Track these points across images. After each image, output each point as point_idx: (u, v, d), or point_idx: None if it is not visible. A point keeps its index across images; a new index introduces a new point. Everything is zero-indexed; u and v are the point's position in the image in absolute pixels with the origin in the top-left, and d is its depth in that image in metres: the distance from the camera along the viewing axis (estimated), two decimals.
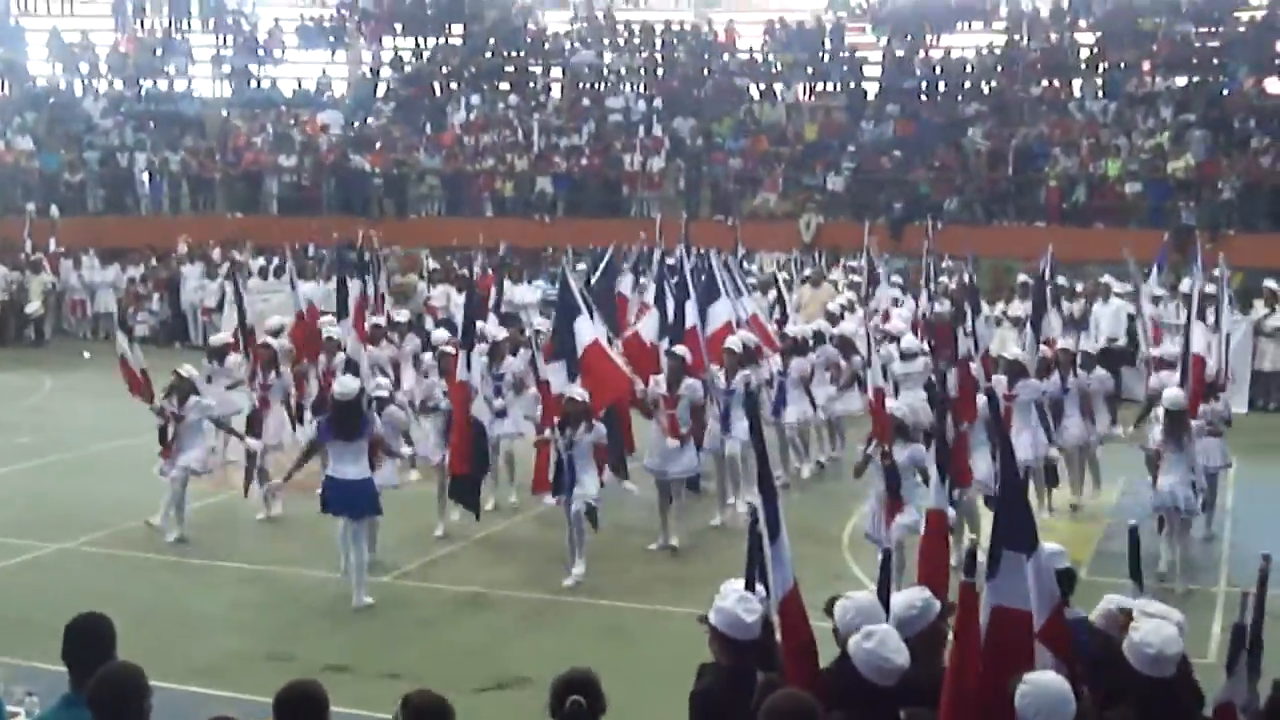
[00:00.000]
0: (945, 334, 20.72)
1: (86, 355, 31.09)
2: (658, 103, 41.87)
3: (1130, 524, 8.17)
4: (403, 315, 22.21)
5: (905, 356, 20.83)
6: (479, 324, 18.91)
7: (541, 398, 16.81)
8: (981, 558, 12.33)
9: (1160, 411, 15.99)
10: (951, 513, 12.69)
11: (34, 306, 34.34)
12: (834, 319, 23.23)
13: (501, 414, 18.68)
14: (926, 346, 21.20)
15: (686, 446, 17.20)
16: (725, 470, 18.50)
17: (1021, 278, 26.49)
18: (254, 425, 18.22)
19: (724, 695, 7.36)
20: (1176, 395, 15.88)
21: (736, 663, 7.46)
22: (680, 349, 17.83)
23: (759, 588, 7.61)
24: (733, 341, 18.72)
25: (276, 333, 19.71)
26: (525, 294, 28.95)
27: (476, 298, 18.73)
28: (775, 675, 7.22)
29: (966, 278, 21.79)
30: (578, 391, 15.87)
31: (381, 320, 21.40)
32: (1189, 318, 18.07)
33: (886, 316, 23.80)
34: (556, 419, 15.72)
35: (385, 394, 16.52)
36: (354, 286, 20.52)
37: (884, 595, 7.60)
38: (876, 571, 13.39)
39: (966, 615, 6.75)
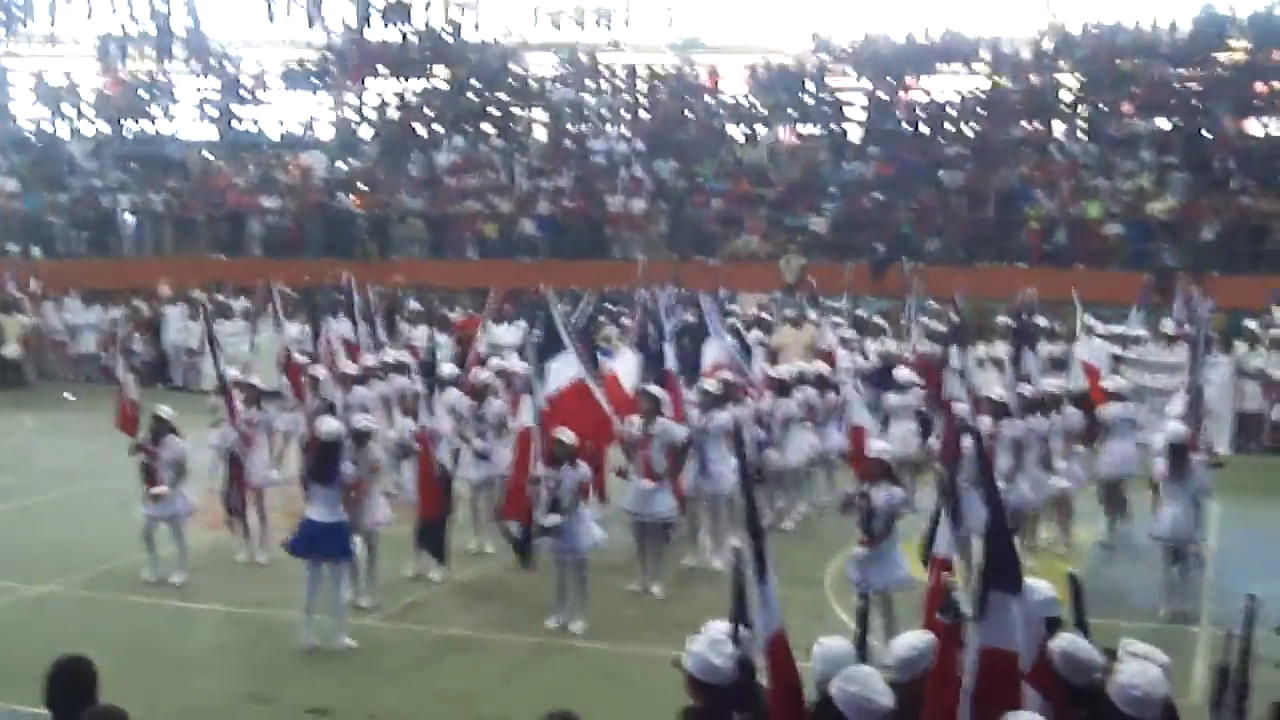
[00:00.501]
0: (931, 375, 20.83)
1: (69, 396, 31.00)
2: (640, 144, 41.95)
3: (1069, 571, 8.15)
4: (395, 355, 22.08)
5: (899, 388, 20.85)
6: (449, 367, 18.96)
7: (539, 438, 16.71)
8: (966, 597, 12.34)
9: (1161, 445, 16.39)
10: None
11: (11, 348, 34.22)
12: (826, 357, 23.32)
13: (484, 456, 18.65)
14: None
15: (662, 489, 17.13)
16: (700, 511, 18.39)
17: (1001, 319, 26.53)
18: (236, 464, 18.12)
19: None
20: (1178, 429, 16.38)
21: (710, 705, 7.45)
22: (655, 389, 17.80)
23: (743, 629, 7.59)
24: (709, 383, 18.69)
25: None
26: (507, 335, 28.89)
27: (436, 342, 18.72)
28: (750, 717, 7.20)
29: (953, 317, 21.85)
30: (565, 433, 15.81)
31: (372, 360, 21.38)
32: (1196, 354, 19.18)
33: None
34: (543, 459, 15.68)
35: (366, 430, 16.36)
36: (334, 327, 20.56)
37: (860, 641, 7.58)
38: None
39: (945, 654, 6.73)
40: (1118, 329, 26.00)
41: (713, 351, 20.62)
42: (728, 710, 7.30)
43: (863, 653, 7.51)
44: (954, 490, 13.76)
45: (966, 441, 15.59)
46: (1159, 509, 16.43)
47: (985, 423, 16.97)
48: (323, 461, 14.82)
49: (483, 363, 21.44)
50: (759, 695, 7.41)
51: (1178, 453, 16.06)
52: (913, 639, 7.75)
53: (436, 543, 17.06)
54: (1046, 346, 22.37)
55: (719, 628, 7.71)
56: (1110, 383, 20.53)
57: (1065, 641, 7.57)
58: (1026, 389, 18.61)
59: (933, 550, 14.03)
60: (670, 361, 18.95)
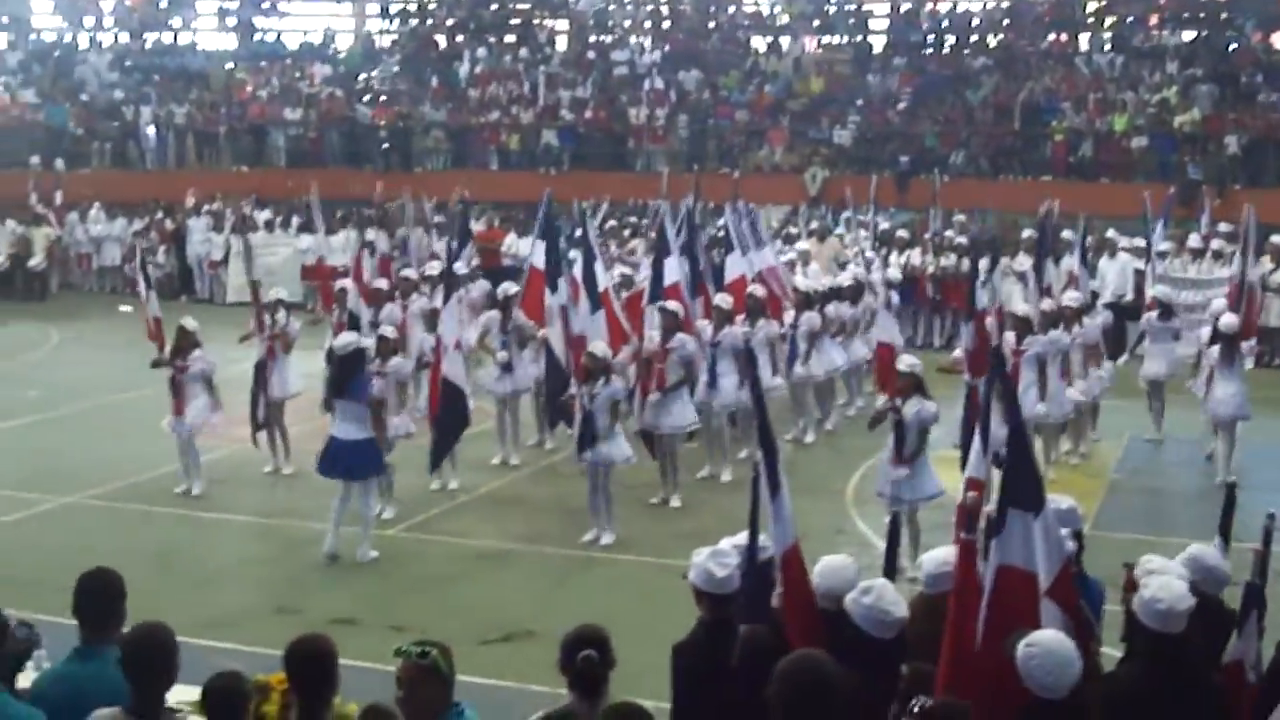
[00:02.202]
0: (952, 288, 20.79)
1: (125, 309, 30.83)
2: (663, 55, 41.72)
3: (1228, 482, 8.11)
4: (409, 272, 22.04)
5: None
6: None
7: (573, 353, 16.75)
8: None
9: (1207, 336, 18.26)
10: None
11: (37, 260, 34.33)
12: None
13: (507, 369, 18.69)
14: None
15: (679, 402, 17.20)
16: (709, 426, 18.44)
17: (1026, 232, 26.42)
18: (259, 375, 18.15)
19: (703, 647, 7.46)
20: (1231, 320, 18.16)
21: (716, 616, 7.54)
22: (673, 305, 17.82)
23: (761, 542, 7.64)
24: (720, 298, 18.71)
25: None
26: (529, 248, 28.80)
27: (456, 252, 18.63)
28: (759, 628, 7.26)
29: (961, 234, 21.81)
30: (598, 346, 15.85)
31: (411, 273, 21.37)
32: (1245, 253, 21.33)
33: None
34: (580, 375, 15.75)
35: (388, 342, 16.36)
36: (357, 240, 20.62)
37: (890, 557, 7.62)
38: (881, 524, 13.55)
39: (964, 571, 6.76)
40: (1142, 243, 25.85)
41: (738, 265, 20.62)
42: (731, 622, 7.36)
43: (892, 568, 7.54)
44: (987, 407, 13.82)
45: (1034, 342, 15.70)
46: (1210, 393, 17.90)
47: (1009, 338, 16.93)
48: (341, 375, 14.80)
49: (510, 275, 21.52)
50: (769, 608, 7.48)
51: (1229, 340, 17.84)
52: (944, 554, 7.79)
53: (438, 452, 17.08)
54: (1068, 260, 22.22)
55: (731, 542, 7.80)
56: (1156, 290, 21.04)
57: (1196, 550, 7.78)
58: (1047, 303, 18.55)
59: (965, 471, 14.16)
60: (677, 275, 18.93)
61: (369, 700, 6.87)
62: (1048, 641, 6.26)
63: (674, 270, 18.90)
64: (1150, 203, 25.55)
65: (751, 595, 7.45)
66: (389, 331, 16.67)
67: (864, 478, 17.52)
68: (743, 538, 7.74)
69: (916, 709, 5.57)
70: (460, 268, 20.83)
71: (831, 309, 20.64)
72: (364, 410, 14.82)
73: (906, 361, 14.70)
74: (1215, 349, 18.00)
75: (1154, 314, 20.03)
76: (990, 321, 16.57)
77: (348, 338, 15.14)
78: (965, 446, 14.53)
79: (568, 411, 16.48)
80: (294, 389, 18.43)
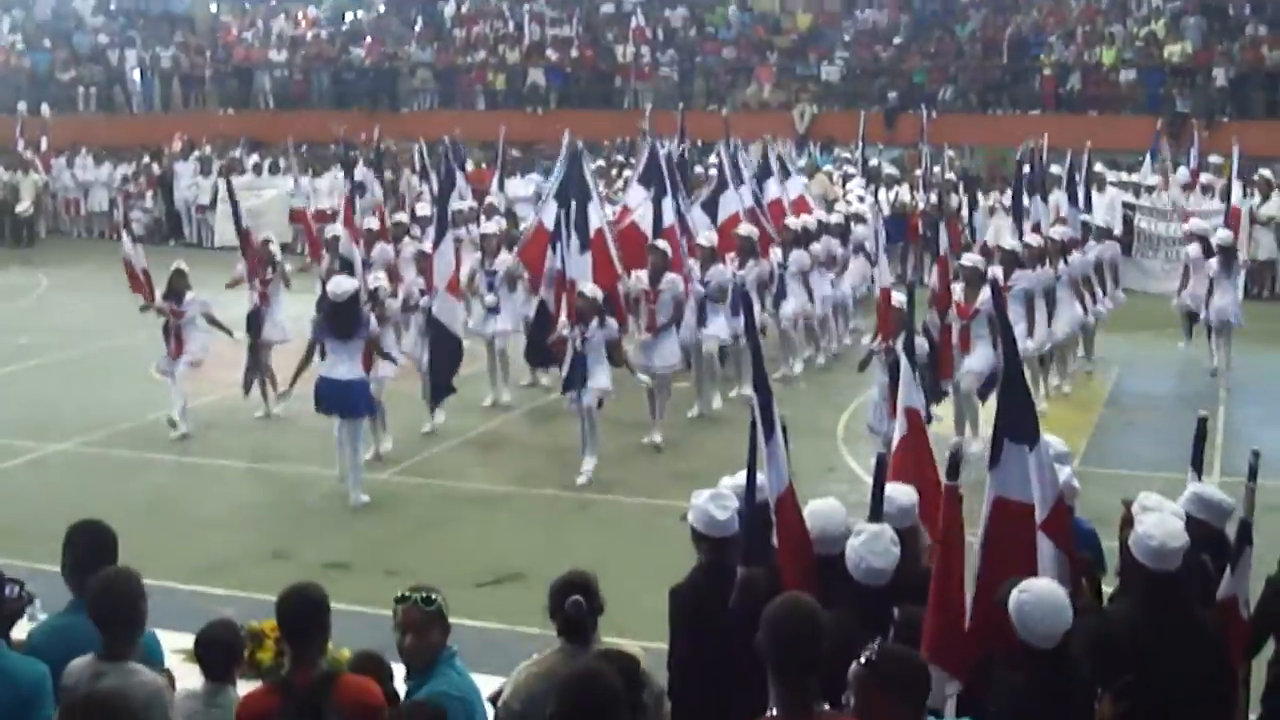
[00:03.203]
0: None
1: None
2: None
3: (1200, 415, 8.10)
4: (402, 216, 21.95)
5: None
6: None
7: (562, 292, 16.70)
8: (977, 448, 12.51)
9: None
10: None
11: (24, 206, 34.22)
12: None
13: (494, 310, 18.68)
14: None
15: (668, 341, 17.20)
16: (700, 364, 18.45)
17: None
18: (254, 323, 18.13)
19: (701, 590, 7.45)
20: (1226, 234, 19.98)
21: (714, 558, 7.53)
22: (661, 243, 17.81)
23: (759, 482, 7.63)
24: (705, 236, 18.70)
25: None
26: (518, 188, 28.79)
27: (447, 191, 18.54)
28: (757, 570, 7.27)
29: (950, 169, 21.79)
30: (589, 287, 15.83)
31: (404, 217, 21.32)
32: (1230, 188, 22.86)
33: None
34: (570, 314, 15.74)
35: (376, 288, 16.34)
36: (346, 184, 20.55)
37: (877, 496, 7.61)
38: (869, 461, 13.58)
39: (951, 517, 6.76)
40: (1131, 177, 25.83)
41: (729, 203, 20.59)
42: (730, 564, 7.37)
43: (879, 505, 7.54)
44: (931, 339, 13.85)
45: (984, 294, 15.67)
46: (1211, 302, 19.41)
47: (996, 272, 16.92)
48: (337, 319, 14.77)
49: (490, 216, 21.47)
50: (768, 550, 7.48)
51: (1227, 251, 19.56)
52: (907, 488, 7.81)
53: (433, 390, 17.03)
54: (1057, 194, 22.21)
55: (729, 483, 7.78)
56: (1191, 225, 21.95)
57: (1197, 487, 7.71)
58: (1034, 238, 18.53)
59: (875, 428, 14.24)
60: (669, 215, 18.90)
61: (362, 645, 6.91)
62: (1040, 590, 6.27)
63: (670, 210, 18.86)
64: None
65: (750, 537, 7.45)
66: (380, 279, 16.69)
67: (853, 415, 17.55)
68: (741, 478, 7.72)
69: (864, 659, 5.55)
70: (459, 205, 20.87)
71: (820, 245, 20.61)
72: (359, 351, 14.81)
73: (897, 298, 14.66)
74: (1213, 261, 19.48)
75: (1214, 259, 19.66)
76: (977, 258, 16.60)
77: (342, 282, 15.09)
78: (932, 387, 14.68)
79: (556, 355, 16.46)
80: (292, 334, 18.40)
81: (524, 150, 33.13)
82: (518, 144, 33.02)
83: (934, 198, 25.31)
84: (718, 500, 7.56)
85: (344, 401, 14.79)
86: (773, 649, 5.60)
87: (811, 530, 7.47)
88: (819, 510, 7.58)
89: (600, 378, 15.56)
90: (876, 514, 7.47)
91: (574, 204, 17.26)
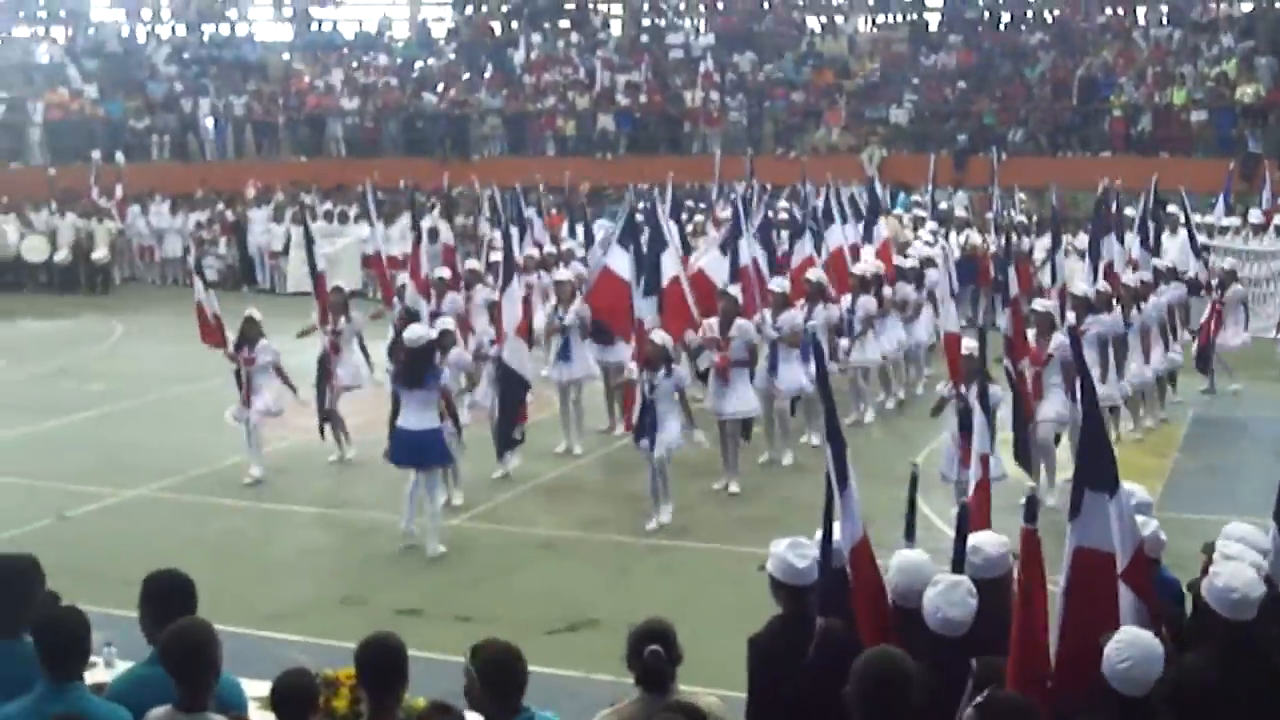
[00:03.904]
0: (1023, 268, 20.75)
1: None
2: (717, 37, 41.66)
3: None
4: (472, 263, 22.05)
5: None
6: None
7: (634, 337, 16.72)
8: (1052, 501, 12.43)
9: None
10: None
11: (101, 253, 34.56)
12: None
13: (565, 357, 18.73)
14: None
15: (741, 387, 17.12)
16: (771, 411, 18.34)
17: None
18: (323, 367, 18.23)
19: (780, 640, 7.41)
20: None
21: (794, 608, 7.49)
22: (733, 289, 17.81)
23: (836, 534, 7.60)
24: (776, 283, 18.66)
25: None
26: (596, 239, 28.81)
27: (512, 240, 18.65)
28: (836, 621, 7.24)
29: (1018, 212, 21.72)
30: (659, 335, 15.84)
31: (478, 264, 21.41)
32: None
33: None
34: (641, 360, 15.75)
35: (445, 334, 16.33)
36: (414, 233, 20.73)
37: (959, 547, 7.56)
38: (945, 509, 13.50)
39: (1029, 562, 6.70)
40: (1205, 219, 25.62)
41: (806, 247, 20.68)
42: (810, 614, 7.33)
43: (961, 556, 7.49)
44: (1015, 387, 13.75)
45: (1057, 339, 15.58)
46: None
47: (1069, 318, 16.81)
48: (413, 367, 14.82)
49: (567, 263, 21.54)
50: (846, 601, 7.44)
51: None
52: (1000, 538, 7.75)
53: (500, 434, 17.07)
54: (1130, 237, 22.07)
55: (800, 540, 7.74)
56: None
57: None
58: (1105, 284, 18.39)
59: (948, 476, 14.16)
60: (746, 258, 18.93)
61: (433, 693, 6.92)
62: (1135, 638, 6.23)
63: (746, 253, 18.88)
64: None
65: (827, 588, 7.41)
66: (448, 324, 16.67)
67: (926, 461, 17.44)
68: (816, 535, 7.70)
69: (980, 701, 5.58)
70: (531, 251, 21.02)
71: (893, 290, 20.58)
72: (434, 400, 14.83)
73: (967, 345, 14.58)
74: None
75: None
76: (1050, 303, 16.49)
77: (418, 330, 15.15)
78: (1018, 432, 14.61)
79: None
80: (365, 376, 18.47)
81: (593, 196, 33.25)
82: (588, 190, 33.19)
83: (1004, 240, 25.18)
84: (797, 549, 7.51)
85: (419, 452, 14.81)
86: (862, 702, 5.60)
87: (897, 583, 7.42)
88: (908, 564, 7.52)
89: (671, 429, 15.52)
90: (959, 565, 7.43)
91: (645, 249, 17.34)
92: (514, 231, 21.19)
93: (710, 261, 19.77)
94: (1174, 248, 24.49)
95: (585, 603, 13.18)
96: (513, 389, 16.75)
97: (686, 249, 21.51)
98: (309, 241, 19.99)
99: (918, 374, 21.85)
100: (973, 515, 8.16)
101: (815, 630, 7.19)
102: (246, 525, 16.16)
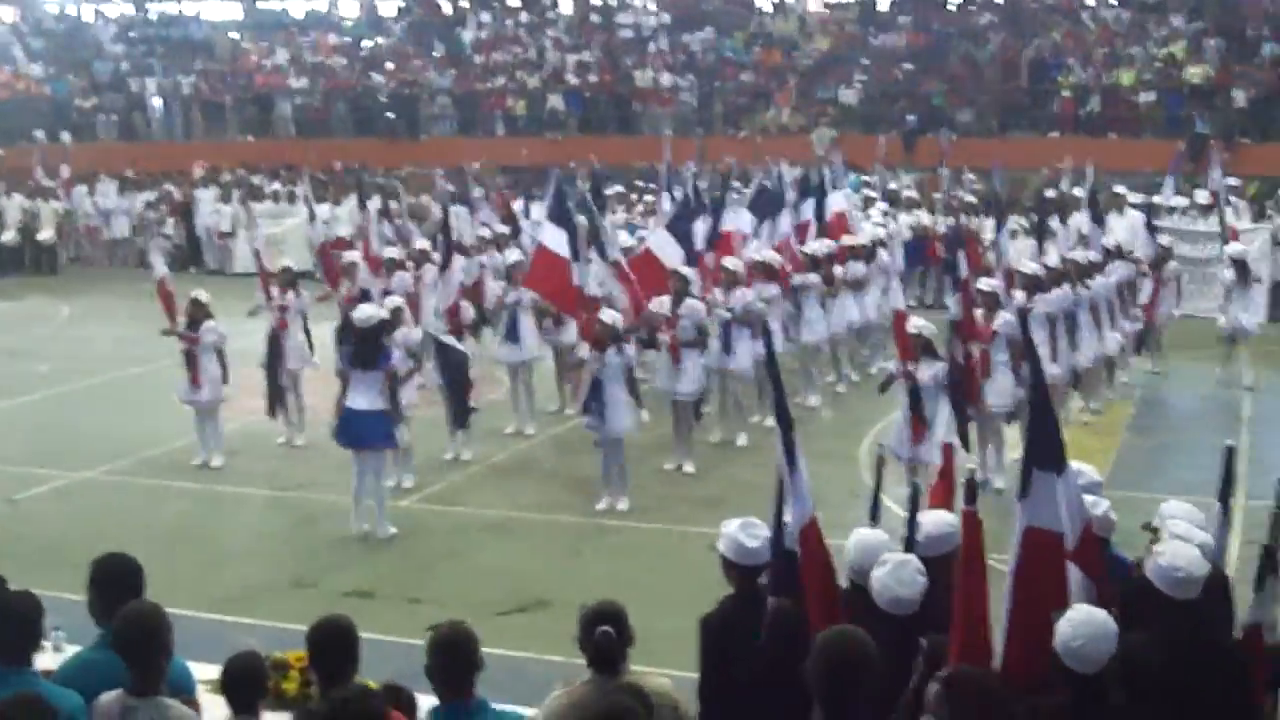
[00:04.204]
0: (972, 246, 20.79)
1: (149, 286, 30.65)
2: (668, 18, 41.62)
3: (1227, 445, 8.06)
4: (421, 242, 21.98)
5: None
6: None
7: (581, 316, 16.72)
8: (1001, 484, 12.51)
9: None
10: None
11: (47, 234, 34.33)
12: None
13: (514, 338, 18.71)
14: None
15: (692, 368, 17.12)
16: (725, 391, 18.37)
17: (1050, 193, 26.36)
18: (273, 347, 18.14)
19: (732, 620, 7.42)
20: (1239, 248, 21.51)
21: (745, 588, 7.51)
22: (685, 269, 17.82)
23: (787, 515, 7.61)
24: (730, 261, 18.65)
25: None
26: (538, 214, 28.74)
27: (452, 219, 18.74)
28: (787, 601, 7.26)
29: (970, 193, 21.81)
30: (607, 314, 15.82)
31: (425, 244, 21.35)
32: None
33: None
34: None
35: (396, 312, 16.24)
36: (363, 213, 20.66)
37: (911, 526, 7.60)
38: (895, 489, 13.55)
39: (971, 542, 6.73)
40: (1153, 199, 25.75)
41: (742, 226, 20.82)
42: (761, 594, 7.35)
43: (913, 535, 7.53)
44: (957, 371, 13.79)
45: (1003, 317, 15.62)
46: (1227, 312, 20.54)
47: (1019, 297, 16.85)
48: (363, 348, 14.75)
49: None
50: (796, 581, 7.46)
51: (1241, 265, 20.62)
52: (945, 516, 7.78)
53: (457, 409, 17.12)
54: (1078, 217, 22.18)
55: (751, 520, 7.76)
56: (1230, 249, 21.94)
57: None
58: (1054, 261, 18.44)
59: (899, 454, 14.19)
60: (699, 239, 18.99)
61: (385, 675, 6.91)
62: (1087, 615, 6.28)
63: (701, 234, 19.00)
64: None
65: (779, 568, 7.42)
66: (397, 302, 16.58)
67: (875, 440, 17.51)
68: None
69: (945, 676, 5.63)
70: (483, 232, 21.05)
71: (844, 269, 20.60)
72: (380, 381, 14.77)
73: (916, 324, 14.62)
74: (1229, 273, 20.63)
75: (1230, 273, 20.83)
76: (995, 282, 16.52)
77: (368, 310, 15.08)
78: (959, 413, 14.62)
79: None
80: (308, 357, 18.42)
81: (542, 176, 33.21)
82: (537, 170, 33.14)
83: (953, 221, 25.25)
84: (748, 529, 7.53)
85: (365, 433, 14.74)
86: (824, 678, 5.63)
87: (854, 561, 7.46)
88: (866, 542, 7.56)
89: (619, 413, 15.48)
90: (910, 545, 7.47)
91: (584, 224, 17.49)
92: (461, 211, 21.26)
93: (657, 240, 19.75)
94: (1120, 227, 24.61)
95: (536, 583, 13.18)
96: (453, 363, 16.73)
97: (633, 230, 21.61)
98: (251, 220, 19.90)
99: (879, 351, 21.81)
100: (934, 503, 8.20)
101: (767, 610, 7.21)
102: (196, 508, 16.09)
